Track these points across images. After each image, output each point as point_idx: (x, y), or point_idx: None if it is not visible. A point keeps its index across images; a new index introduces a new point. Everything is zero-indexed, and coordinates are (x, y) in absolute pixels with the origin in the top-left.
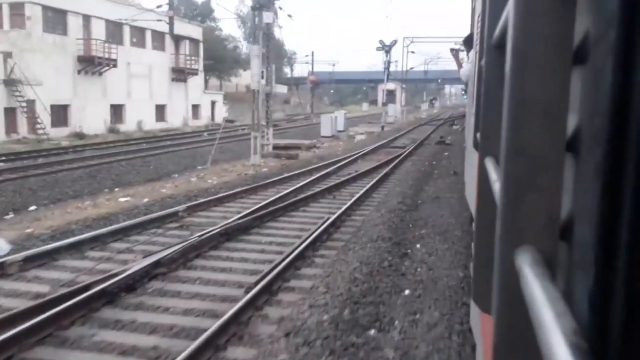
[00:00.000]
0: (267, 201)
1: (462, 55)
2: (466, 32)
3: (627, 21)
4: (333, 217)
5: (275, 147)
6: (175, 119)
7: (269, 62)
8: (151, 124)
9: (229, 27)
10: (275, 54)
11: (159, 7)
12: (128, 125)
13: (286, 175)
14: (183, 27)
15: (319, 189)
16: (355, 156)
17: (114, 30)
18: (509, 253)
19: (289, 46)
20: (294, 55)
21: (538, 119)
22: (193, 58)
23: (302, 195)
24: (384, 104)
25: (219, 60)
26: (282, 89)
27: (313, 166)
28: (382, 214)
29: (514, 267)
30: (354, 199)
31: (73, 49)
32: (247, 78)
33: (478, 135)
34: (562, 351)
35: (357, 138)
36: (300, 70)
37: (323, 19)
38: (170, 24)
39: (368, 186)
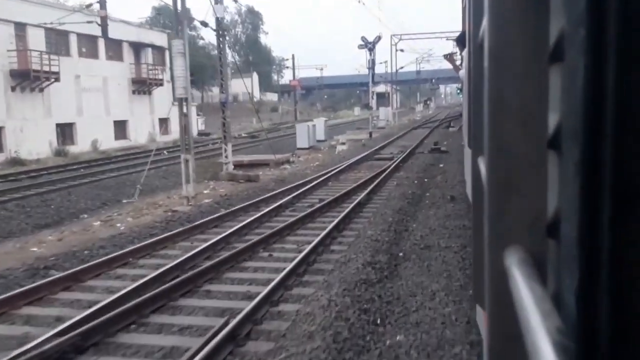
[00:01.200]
0: (171, 264)
1: (457, 57)
2: (457, 27)
3: (596, 18)
4: (247, 309)
5: (237, 166)
6: (140, 135)
7: (222, 65)
8: (109, 142)
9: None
10: (263, 61)
11: (88, 6)
12: (81, 145)
13: (225, 211)
14: (145, 34)
15: (255, 238)
16: (329, 174)
17: (58, 39)
18: (498, 253)
19: (277, 52)
20: (283, 61)
21: (517, 119)
22: (158, 68)
23: (223, 255)
24: (369, 108)
25: (199, 70)
26: (272, 97)
27: (269, 193)
28: (332, 299)
29: (503, 267)
30: (297, 259)
31: (3, 62)
32: (233, 86)
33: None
34: (547, 350)
35: (338, 149)
36: (290, 76)
37: (309, 22)
38: (103, 25)
39: (328, 229)
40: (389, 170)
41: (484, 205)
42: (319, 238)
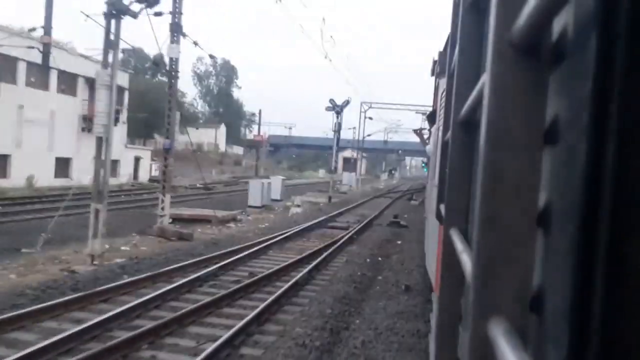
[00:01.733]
0: None
1: (426, 132)
2: (425, 101)
3: (599, 107)
4: None
5: (177, 219)
6: (84, 175)
7: (170, 109)
8: (48, 179)
9: (186, 85)
10: (233, 114)
11: (31, 30)
12: (14, 180)
13: (129, 279)
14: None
15: (145, 326)
16: (273, 240)
17: (3, 65)
18: (482, 323)
19: (248, 107)
20: (252, 116)
21: (510, 195)
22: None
23: (91, 351)
24: (331, 171)
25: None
26: (238, 150)
27: (194, 259)
28: None
29: (487, 337)
30: None
31: None
32: (196, 136)
33: (441, 206)
34: None
35: (292, 211)
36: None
37: (279, 79)
38: (45, 53)
39: (246, 320)
40: (341, 242)
41: (464, 275)
42: (228, 334)
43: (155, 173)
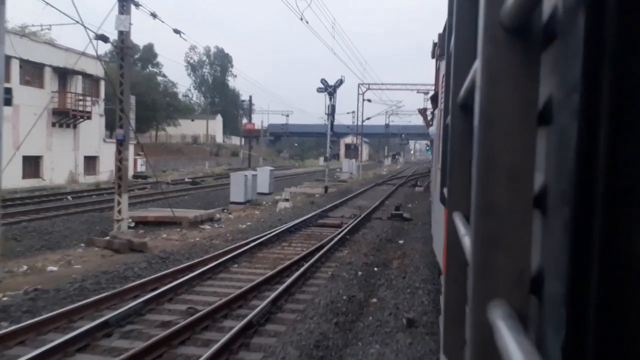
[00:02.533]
0: None
1: (429, 113)
2: (428, 79)
3: (590, 86)
4: None
5: (141, 222)
6: (59, 174)
7: (122, 92)
8: (15, 181)
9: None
10: (229, 104)
11: None
12: None
13: (12, 327)
14: (73, 59)
15: None
16: (245, 248)
17: None
18: (482, 307)
19: (245, 96)
20: (250, 105)
21: (505, 178)
22: (88, 98)
23: None
24: (327, 159)
25: (152, 107)
26: (236, 141)
27: (124, 285)
28: None
29: (487, 320)
30: None
31: None
32: (191, 128)
33: (445, 190)
34: None
35: (279, 206)
36: (259, 121)
37: (277, 66)
38: None
39: None
40: (329, 245)
41: (467, 258)
42: None
43: (142, 168)
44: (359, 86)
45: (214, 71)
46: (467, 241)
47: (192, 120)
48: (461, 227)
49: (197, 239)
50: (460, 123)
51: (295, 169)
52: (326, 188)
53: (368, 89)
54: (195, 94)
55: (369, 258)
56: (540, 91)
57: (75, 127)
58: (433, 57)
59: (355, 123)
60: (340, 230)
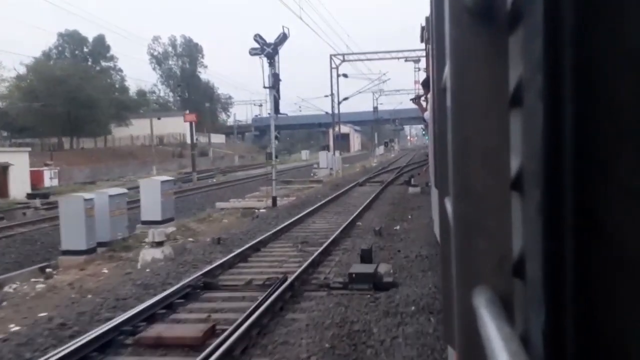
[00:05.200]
0: None
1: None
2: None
3: (552, 64)
4: None
5: None
6: None
7: None
8: None
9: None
10: (203, 98)
11: None
12: None
13: None
14: None
15: None
16: None
17: None
18: (466, 294)
19: (224, 89)
20: (229, 99)
21: (480, 161)
22: None
23: None
24: (269, 156)
25: (89, 104)
26: (216, 139)
27: None
28: None
29: (471, 307)
30: None
31: None
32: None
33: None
34: None
35: (142, 259)
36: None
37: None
38: None
39: None
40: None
41: (451, 245)
42: None
43: (53, 182)
44: (331, 58)
45: (182, 63)
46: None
47: (159, 118)
48: (450, 211)
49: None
50: (444, 106)
51: (279, 165)
52: (274, 200)
53: (343, 60)
54: (163, 90)
55: None
56: (511, 74)
57: None
58: (422, 40)
59: (332, 103)
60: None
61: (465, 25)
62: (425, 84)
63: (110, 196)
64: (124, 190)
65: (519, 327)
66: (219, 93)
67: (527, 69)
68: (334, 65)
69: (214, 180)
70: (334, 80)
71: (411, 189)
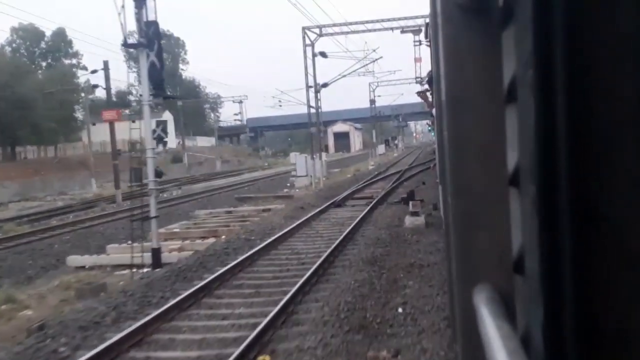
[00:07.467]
0: None
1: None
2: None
3: (544, 60)
4: None
5: None
6: None
7: None
8: None
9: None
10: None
11: None
12: None
13: None
14: None
15: None
16: None
17: None
18: (466, 292)
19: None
20: (218, 99)
21: (477, 158)
22: None
23: None
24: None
25: (25, 106)
26: (203, 142)
27: None
28: None
29: (471, 305)
30: None
31: None
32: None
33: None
34: None
35: None
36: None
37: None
38: None
39: None
40: None
41: (451, 243)
42: None
43: None
44: (304, 32)
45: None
46: None
47: (133, 121)
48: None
49: None
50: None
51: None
52: (156, 255)
53: (320, 34)
54: (138, 90)
55: None
56: (505, 70)
57: None
58: (426, 37)
59: (307, 88)
60: None
61: (458, 21)
62: (431, 81)
63: None
64: None
65: (520, 324)
66: (207, 92)
67: (520, 64)
68: (308, 42)
69: (165, 195)
70: (309, 62)
71: (410, 220)
